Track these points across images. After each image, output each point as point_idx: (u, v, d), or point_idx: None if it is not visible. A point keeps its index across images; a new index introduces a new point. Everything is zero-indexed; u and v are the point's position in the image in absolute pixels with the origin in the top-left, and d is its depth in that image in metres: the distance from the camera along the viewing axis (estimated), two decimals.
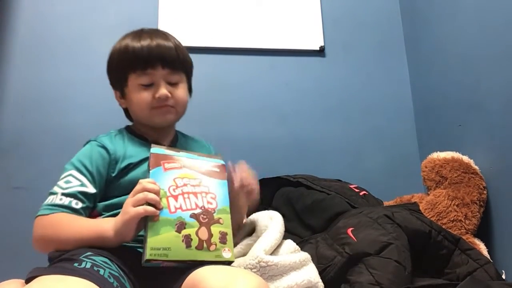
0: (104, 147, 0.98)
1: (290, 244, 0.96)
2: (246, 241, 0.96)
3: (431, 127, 1.60)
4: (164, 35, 1.05)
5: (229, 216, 0.85)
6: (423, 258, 1.01)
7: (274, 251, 0.92)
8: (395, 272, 0.90)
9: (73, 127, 1.46)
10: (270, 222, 0.98)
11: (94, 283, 0.68)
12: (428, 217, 1.18)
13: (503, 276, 1.07)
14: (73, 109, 1.51)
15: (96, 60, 1.38)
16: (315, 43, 1.69)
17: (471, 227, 1.21)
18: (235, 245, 0.96)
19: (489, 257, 1.13)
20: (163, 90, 1.00)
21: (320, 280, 0.91)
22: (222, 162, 0.93)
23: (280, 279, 0.87)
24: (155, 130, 1.06)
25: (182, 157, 0.88)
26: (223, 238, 0.82)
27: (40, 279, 0.68)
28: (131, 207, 0.79)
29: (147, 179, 0.82)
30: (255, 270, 0.85)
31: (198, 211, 0.82)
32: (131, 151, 1.00)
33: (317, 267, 0.95)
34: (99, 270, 0.73)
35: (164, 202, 0.80)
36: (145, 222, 0.79)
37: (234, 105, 1.61)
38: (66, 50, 1.55)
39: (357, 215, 1.07)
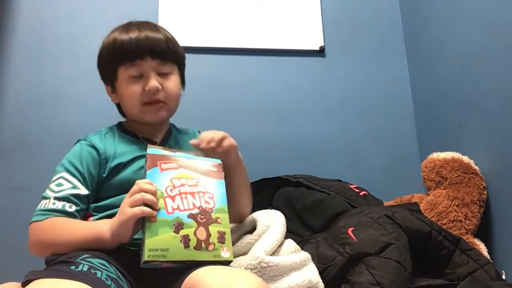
0: (93, 146, 0.97)
1: (290, 244, 0.96)
2: (247, 240, 0.95)
3: (431, 127, 1.60)
4: (154, 27, 1.03)
5: (227, 215, 0.85)
6: (423, 258, 1.01)
7: (274, 251, 0.92)
8: (395, 272, 0.90)
9: (73, 127, 1.46)
10: (272, 221, 0.98)
11: (91, 286, 0.68)
12: (428, 217, 1.18)
13: (503, 277, 1.07)
14: (73, 109, 1.51)
15: (96, 59, 1.37)
16: (315, 43, 1.69)
17: (471, 227, 1.21)
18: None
19: (489, 258, 1.13)
20: (153, 82, 0.97)
21: (321, 281, 0.91)
22: (219, 161, 0.92)
23: (280, 280, 0.87)
24: (147, 126, 1.05)
25: (178, 157, 0.88)
26: (221, 238, 0.81)
27: (37, 282, 0.68)
28: (128, 207, 0.79)
29: (143, 180, 0.82)
30: (255, 270, 0.85)
31: (195, 211, 0.82)
32: (121, 150, 0.99)
33: (318, 267, 0.95)
34: (96, 273, 0.72)
35: (161, 202, 0.80)
36: (142, 223, 0.79)
37: (234, 105, 1.61)
38: (66, 49, 1.55)
39: (357, 215, 1.07)
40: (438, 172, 1.31)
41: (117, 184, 0.95)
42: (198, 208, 0.82)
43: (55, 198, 0.89)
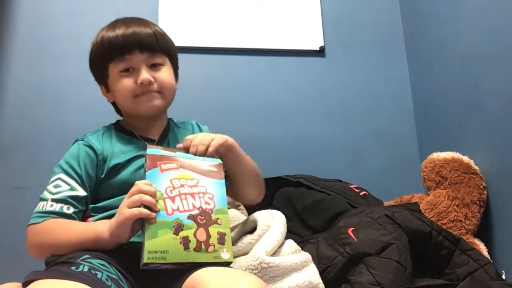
0: (91, 147, 0.97)
1: (291, 244, 0.96)
2: (247, 240, 0.95)
3: (431, 127, 1.60)
4: (142, 22, 1.02)
5: (227, 216, 0.85)
6: (423, 258, 1.01)
7: (275, 252, 0.92)
8: (395, 272, 0.90)
9: (73, 127, 1.46)
10: (272, 221, 0.98)
11: (91, 286, 0.68)
12: (428, 217, 1.18)
13: (503, 277, 1.07)
14: (73, 109, 1.51)
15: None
16: (315, 43, 1.69)
17: (471, 227, 1.21)
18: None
19: (489, 258, 1.13)
20: (145, 75, 0.97)
21: (321, 281, 0.91)
22: (219, 161, 0.92)
23: (281, 280, 0.86)
24: (144, 121, 1.04)
25: (178, 157, 0.87)
26: (221, 239, 0.81)
27: (37, 283, 0.68)
28: (126, 208, 0.79)
29: (143, 181, 0.82)
30: (256, 271, 0.85)
31: (195, 212, 0.81)
32: (118, 150, 0.98)
33: (318, 267, 0.95)
34: (96, 274, 0.72)
35: (161, 204, 0.79)
36: (142, 225, 0.78)
37: (234, 105, 1.61)
38: (66, 49, 1.54)
39: (357, 215, 1.07)
40: (438, 172, 1.31)
41: (115, 185, 0.94)
42: (198, 209, 0.82)
43: (53, 200, 0.89)
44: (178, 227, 0.78)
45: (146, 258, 0.74)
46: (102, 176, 0.95)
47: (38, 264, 0.85)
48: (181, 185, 0.83)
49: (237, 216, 1.21)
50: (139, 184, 0.81)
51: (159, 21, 1.58)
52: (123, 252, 0.84)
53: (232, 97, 1.62)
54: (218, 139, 0.96)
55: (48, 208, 0.88)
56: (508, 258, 1.19)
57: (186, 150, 0.94)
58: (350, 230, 1.00)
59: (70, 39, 1.56)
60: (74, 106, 1.51)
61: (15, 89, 1.50)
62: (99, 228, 0.84)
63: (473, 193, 1.24)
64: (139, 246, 0.78)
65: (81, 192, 0.92)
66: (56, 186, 0.91)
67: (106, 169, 0.95)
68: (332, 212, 1.16)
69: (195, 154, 0.92)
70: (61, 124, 1.48)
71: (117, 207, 0.86)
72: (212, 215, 0.83)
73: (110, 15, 1.47)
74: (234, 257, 0.90)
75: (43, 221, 0.87)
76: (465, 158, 1.30)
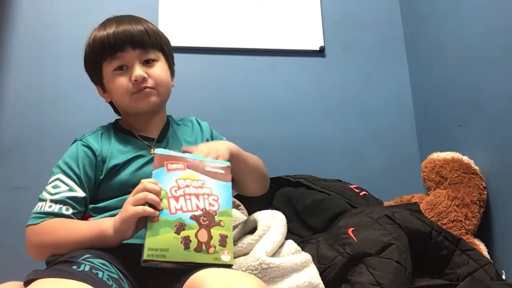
0: (89, 147, 0.96)
1: (291, 244, 0.96)
2: (248, 240, 0.95)
3: (431, 127, 1.60)
4: (134, 19, 1.02)
5: (230, 218, 0.85)
6: (423, 258, 1.01)
7: (275, 252, 0.92)
8: (395, 273, 0.90)
9: (73, 127, 1.45)
10: (273, 222, 0.98)
11: (93, 286, 0.68)
12: (428, 217, 1.18)
13: (503, 277, 1.07)
14: (73, 109, 1.51)
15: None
16: (315, 43, 1.69)
17: (471, 228, 1.21)
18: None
19: (489, 258, 1.13)
20: (138, 71, 0.96)
21: (321, 282, 0.91)
22: (228, 163, 0.92)
23: (281, 281, 0.86)
24: (142, 119, 1.03)
25: (186, 158, 0.87)
26: (223, 241, 0.81)
27: (39, 282, 0.68)
28: (130, 206, 0.79)
29: (148, 179, 0.82)
30: (256, 272, 0.85)
31: (199, 213, 0.82)
32: (118, 150, 0.98)
33: (318, 267, 0.95)
34: (97, 273, 0.73)
35: (164, 203, 0.80)
36: (145, 222, 0.79)
37: (234, 105, 1.61)
38: (66, 49, 1.54)
39: (357, 215, 1.07)
40: (438, 172, 1.31)
41: (115, 186, 0.94)
42: (202, 210, 0.82)
43: (52, 200, 0.89)
44: (180, 227, 0.79)
45: (146, 255, 0.75)
46: (102, 177, 0.95)
47: (39, 264, 0.86)
48: (186, 186, 0.83)
49: (237, 216, 1.21)
50: (145, 182, 0.81)
51: (159, 21, 1.58)
52: (124, 252, 0.84)
53: (232, 97, 1.62)
54: (222, 153, 0.96)
55: (47, 209, 0.88)
56: (508, 258, 1.19)
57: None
58: (350, 230, 1.00)
59: (70, 39, 1.56)
60: (74, 106, 1.51)
61: (15, 89, 1.50)
62: (104, 225, 0.84)
63: (473, 193, 1.24)
64: (140, 246, 0.78)
65: (80, 193, 0.92)
66: (55, 187, 0.91)
67: (106, 170, 0.95)
68: (332, 212, 1.16)
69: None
70: (61, 124, 1.48)
71: (117, 207, 0.86)
72: (215, 216, 0.83)
73: (110, 15, 1.47)
74: (234, 257, 0.90)
75: (42, 221, 0.87)
76: (465, 158, 1.30)
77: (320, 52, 1.70)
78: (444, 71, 1.52)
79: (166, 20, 1.60)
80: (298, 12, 1.71)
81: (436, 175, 1.31)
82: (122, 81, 0.98)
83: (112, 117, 1.13)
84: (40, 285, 0.67)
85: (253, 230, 0.99)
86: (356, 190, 1.27)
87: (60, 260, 0.78)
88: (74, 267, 0.73)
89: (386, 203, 1.34)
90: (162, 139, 1.05)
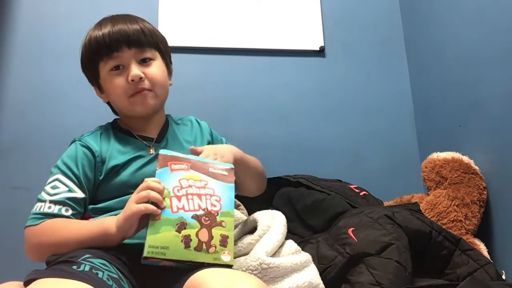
0: (88, 147, 0.96)
1: (291, 244, 0.96)
2: (247, 240, 0.95)
3: (431, 127, 1.60)
4: (129, 18, 1.02)
5: (232, 219, 0.85)
6: (423, 258, 1.01)
7: (275, 252, 0.92)
8: (395, 273, 0.90)
9: (74, 127, 1.45)
10: (273, 222, 0.98)
11: (93, 286, 0.68)
12: (428, 217, 1.18)
13: (503, 277, 1.07)
14: (74, 109, 1.50)
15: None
16: (315, 43, 1.69)
17: (471, 228, 1.21)
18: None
19: (489, 258, 1.13)
20: (134, 71, 0.96)
21: (321, 282, 0.91)
22: (231, 165, 0.93)
23: (281, 281, 0.87)
24: (141, 120, 1.03)
25: (190, 159, 0.88)
26: (223, 241, 0.81)
27: (39, 282, 0.68)
28: (134, 203, 0.80)
29: (152, 178, 0.83)
30: (256, 272, 0.85)
31: (200, 212, 0.82)
32: (117, 151, 0.98)
33: (318, 267, 0.95)
34: (97, 273, 0.73)
35: (167, 201, 0.81)
36: (147, 221, 0.79)
37: (234, 105, 1.61)
38: (66, 49, 1.54)
39: (357, 215, 1.07)
40: (438, 172, 1.31)
41: (114, 186, 0.94)
42: (204, 210, 0.83)
43: (51, 201, 0.89)
44: (181, 225, 0.79)
45: (146, 251, 0.75)
46: (101, 178, 0.95)
47: (39, 264, 0.85)
48: (189, 186, 0.84)
49: (237, 216, 1.21)
50: (148, 181, 0.82)
51: (159, 21, 1.58)
52: (125, 252, 0.84)
53: (232, 97, 1.61)
54: (227, 158, 0.96)
55: (46, 210, 0.88)
56: (508, 258, 1.19)
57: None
58: (350, 230, 1.00)
59: (71, 39, 1.55)
60: (74, 106, 1.51)
61: (15, 89, 1.50)
62: (106, 223, 0.84)
63: (473, 193, 1.24)
64: (140, 247, 0.78)
65: (79, 194, 0.92)
66: (54, 187, 0.91)
67: (105, 170, 0.95)
68: (332, 212, 1.16)
69: None
70: (62, 124, 1.48)
71: (117, 208, 0.87)
72: (217, 217, 0.83)
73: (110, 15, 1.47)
74: (235, 257, 0.90)
75: (41, 222, 0.87)
76: (465, 158, 1.30)
77: (320, 52, 1.70)
78: (444, 71, 1.52)
79: (166, 20, 1.60)
80: (298, 12, 1.70)
81: (436, 175, 1.31)
82: (119, 81, 0.97)
83: (113, 116, 1.13)
84: (40, 285, 0.67)
85: (253, 230, 1.00)
86: (356, 190, 1.27)
87: (60, 260, 0.78)
88: (74, 267, 0.73)
89: (386, 203, 1.34)
90: (162, 139, 1.04)
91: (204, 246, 0.79)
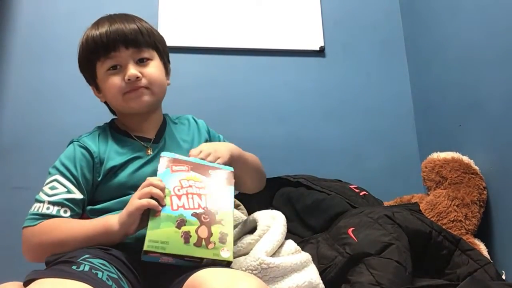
0: (87, 148, 0.96)
1: (291, 244, 0.96)
2: (247, 240, 0.95)
3: (431, 127, 1.60)
4: (127, 18, 1.01)
5: (232, 220, 0.86)
6: (423, 258, 1.01)
7: (275, 252, 0.92)
8: (395, 273, 0.90)
9: (74, 127, 1.44)
10: (273, 222, 0.98)
11: (92, 286, 0.68)
12: (428, 217, 1.18)
13: (503, 277, 1.07)
14: (74, 109, 1.51)
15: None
16: (315, 43, 1.69)
17: (471, 228, 1.21)
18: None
19: (489, 258, 1.13)
20: (131, 70, 0.96)
21: (321, 282, 0.91)
22: (231, 169, 0.94)
23: (281, 281, 0.87)
24: (137, 119, 1.03)
25: (191, 161, 0.90)
26: (222, 238, 0.82)
27: (39, 282, 0.68)
28: (137, 199, 0.81)
29: (154, 177, 0.84)
30: (256, 271, 0.85)
31: (200, 211, 0.83)
32: (114, 152, 0.98)
33: (318, 267, 0.95)
34: (97, 273, 0.73)
35: (167, 200, 0.82)
36: (148, 217, 0.81)
37: (234, 105, 1.61)
38: (67, 49, 1.52)
39: (357, 215, 1.07)
40: (438, 172, 1.31)
41: (113, 187, 0.94)
42: (203, 208, 0.84)
43: (50, 202, 0.88)
44: (181, 222, 0.81)
45: (146, 246, 0.76)
46: (99, 179, 0.95)
47: (38, 264, 0.85)
48: (189, 186, 0.86)
49: (237, 216, 1.21)
50: (150, 179, 0.83)
51: (159, 21, 1.58)
52: (124, 252, 0.84)
53: (232, 97, 1.61)
54: (223, 154, 0.97)
55: (45, 211, 0.88)
56: (508, 258, 1.19)
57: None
58: (350, 230, 1.00)
59: (71, 39, 1.54)
60: (74, 106, 1.51)
61: (15, 89, 1.50)
62: (109, 219, 0.85)
63: (473, 193, 1.24)
64: (140, 247, 0.78)
65: (78, 195, 0.91)
66: (52, 188, 0.90)
67: (103, 171, 0.95)
68: (332, 212, 1.16)
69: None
70: (62, 124, 1.48)
71: (115, 209, 0.87)
72: (216, 215, 0.85)
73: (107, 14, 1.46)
74: (234, 257, 0.90)
75: (40, 223, 0.87)
76: (465, 158, 1.30)
77: (320, 52, 1.70)
78: (444, 71, 1.51)
79: (166, 20, 1.60)
80: (298, 12, 1.71)
81: (436, 175, 1.31)
82: (116, 80, 0.97)
83: (112, 117, 1.13)
84: (39, 285, 0.67)
85: (253, 230, 1.00)
86: (356, 190, 1.27)
87: (59, 260, 0.78)
88: (74, 267, 0.73)
89: (386, 203, 1.34)
90: (159, 139, 1.04)
91: (203, 242, 0.80)
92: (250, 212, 1.24)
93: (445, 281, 0.96)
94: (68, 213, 0.89)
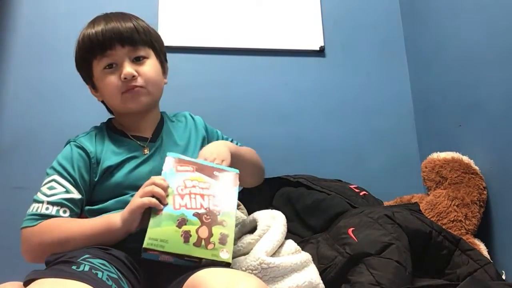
0: (83, 148, 0.96)
1: (291, 244, 0.96)
2: (247, 240, 0.95)
3: (431, 127, 1.60)
4: (123, 16, 1.01)
5: (234, 221, 0.86)
6: (423, 258, 1.01)
7: (275, 252, 0.92)
8: (395, 273, 0.90)
9: (74, 127, 1.44)
10: (273, 221, 0.98)
11: (92, 286, 0.68)
12: (428, 217, 1.18)
13: (503, 277, 1.07)
14: (74, 108, 1.50)
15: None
16: (315, 43, 1.69)
17: (471, 228, 1.21)
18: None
19: (489, 258, 1.13)
20: (127, 69, 0.96)
21: (321, 282, 0.91)
22: (237, 171, 0.94)
23: (281, 281, 0.87)
24: (134, 118, 1.03)
25: (196, 162, 0.91)
26: (223, 239, 0.82)
27: (39, 282, 0.68)
28: (139, 197, 0.82)
29: (158, 176, 0.85)
30: (256, 271, 0.85)
31: (202, 211, 0.84)
32: (111, 152, 0.98)
33: (318, 267, 0.95)
34: (97, 273, 0.73)
35: (170, 199, 0.83)
36: (149, 216, 0.81)
37: (234, 105, 1.61)
38: (67, 49, 1.51)
39: (357, 215, 1.07)
40: (438, 172, 1.31)
41: (109, 187, 0.94)
42: (205, 209, 0.84)
43: (48, 202, 0.89)
44: (182, 221, 0.81)
45: (146, 243, 0.77)
46: (96, 179, 0.95)
47: (38, 264, 0.85)
48: (193, 186, 0.86)
49: (237, 216, 1.21)
50: (154, 178, 0.84)
51: (159, 21, 1.58)
52: (124, 252, 0.84)
53: (232, 97, 1.61)
54: (226, 156, 0.97)
55: (44, 211, 0.88)
56: (508, 258, 1.19)
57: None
58: (350, 230, 1.00)
59: (71, 39, 1.54)
60: (75, 105, 1.51)
61: (15, 89, 1.50)
62: (111, 217, 0.86)
63: (473, 193, 1.24)
64: (140, 248, 0.78)
65: (77, 195, 0.91)
66: (50, 188, 0.90)
67: (100, 171, 0.95)
68: (332, 212, 1.15)
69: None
70: (62, 124, 1.48)
71: (113, 209, 0.87)
72: (218, 216, 0.85)
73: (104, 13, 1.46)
74: (234, 257, 0.90)
75: (39, 223, 0.87)
76: (465, 158, 1.30)
77: (320, 52, 1.70)
78: (444, 71, 1.51)
79: (166, 20, 1.60)
80: (298, 12, 1.71)
81: (436, 175, 1.31)
82: (112, 79, 0.97)
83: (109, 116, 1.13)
84: (39, 285, 0.67)
85: (252, 230, 1.00)
86: (356, 190, 1.27)
87: (59, 260, 0.78)
88: (74, 267, 0.73)
89: (386, 203, 1.34)
90: (156, 138, 1.04)
91: (203, 242, 0.80)
92: (250, 212, 1.24)
93: (445, 281, 0.96)
94: (67, 213, 0.89)
